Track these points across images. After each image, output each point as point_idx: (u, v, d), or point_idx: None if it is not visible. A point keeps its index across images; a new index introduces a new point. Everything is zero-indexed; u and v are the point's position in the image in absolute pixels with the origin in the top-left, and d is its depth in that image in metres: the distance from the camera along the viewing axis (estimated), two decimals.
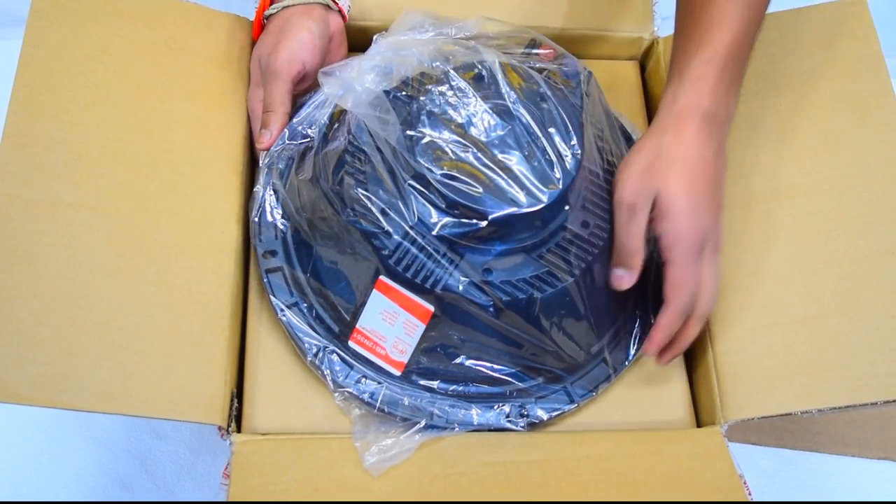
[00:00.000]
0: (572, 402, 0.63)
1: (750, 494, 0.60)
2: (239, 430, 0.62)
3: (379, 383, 0.62)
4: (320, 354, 0.62)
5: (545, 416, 0.62)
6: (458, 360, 0.62)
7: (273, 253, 0.65)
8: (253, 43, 0.71)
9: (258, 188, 0.66)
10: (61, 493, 0.92)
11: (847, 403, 0.62)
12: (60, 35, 0.65)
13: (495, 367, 0.62)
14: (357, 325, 0.61)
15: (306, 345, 0.62)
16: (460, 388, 0.62)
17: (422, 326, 0.60)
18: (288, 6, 0.67)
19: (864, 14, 0.73)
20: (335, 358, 0.62)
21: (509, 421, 0.62)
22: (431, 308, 0.59)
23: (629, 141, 0.71)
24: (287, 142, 0.65)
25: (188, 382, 0.59)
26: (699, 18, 0.60)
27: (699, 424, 0.66)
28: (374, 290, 0.60)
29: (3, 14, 1.08)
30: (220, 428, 0.59)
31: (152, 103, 0.66)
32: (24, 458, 0.93)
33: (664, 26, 0.79)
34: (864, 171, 0.69)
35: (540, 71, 0.64)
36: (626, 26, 0.79)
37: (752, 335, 0.65)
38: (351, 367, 0.62)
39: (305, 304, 0.63)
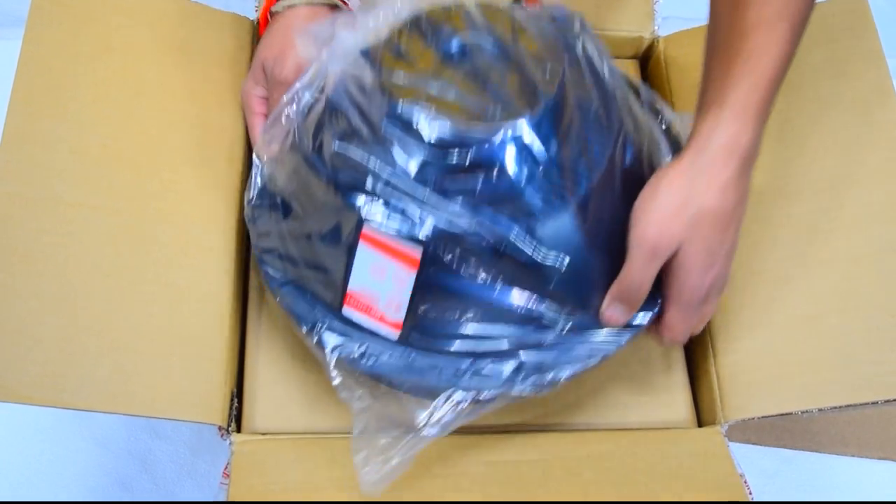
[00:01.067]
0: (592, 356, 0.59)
1: (750, 494, 0.60)
2: (239, 430, 0.62)
3: (377, 356, 0.58)
4: (318, 327, 0.59)
5: (563, 376, 0.58)
6: (455, 316, 0.59)
7: (266, 234, 0.63)
8: (256, 38, 0.71)
9: (251, 174, 0.64)
10: (61, 493, 0.92)
11: (847, 403, 0.62)
12: (60, 34, 0.65)
13: (494, 324, 0.59)
14: (349, 289, 0.59)
15: (303, 325, 0.59)
16: (464, 347, 0.59)
17: (412, 274, 0.57)
18: (293, 6, 0.66)
19: (865, 13, 0.73)
20: (333, 333, 0.59)
21: (521, 381, 0.57)
22: (419, 254, 0.56)
23: (630, 86, 0.68)
24: (272, 122, 0.64)
25: (188, 382, 0.59)
26: (742, 44, 0.56)
27: (700, 424, 0.66)
28: (361, 242, 0.57)
29: (3, 14, 1.08)
30: (219, 428, 0.59)
31: (152, 102, 0.66)
32: (24, 458, 0.93)
33: (665, 26, 0.80)
34: (864, 170, 0.69)
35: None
36: (627, 25, 0.79)
37: (752, 334, 0.65)
38: (349, 336, 0.59)
39: (299, 282, 0.61)
